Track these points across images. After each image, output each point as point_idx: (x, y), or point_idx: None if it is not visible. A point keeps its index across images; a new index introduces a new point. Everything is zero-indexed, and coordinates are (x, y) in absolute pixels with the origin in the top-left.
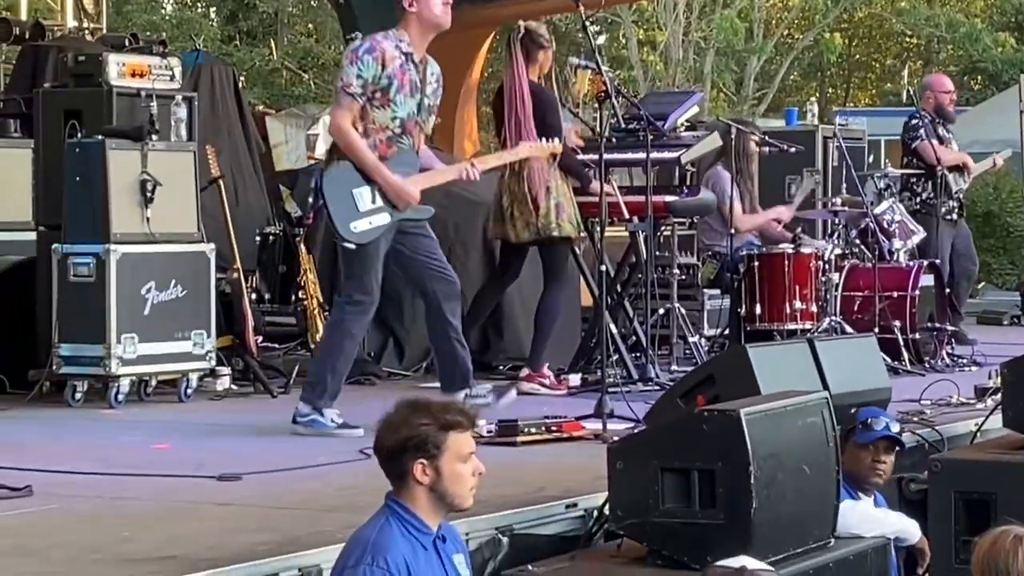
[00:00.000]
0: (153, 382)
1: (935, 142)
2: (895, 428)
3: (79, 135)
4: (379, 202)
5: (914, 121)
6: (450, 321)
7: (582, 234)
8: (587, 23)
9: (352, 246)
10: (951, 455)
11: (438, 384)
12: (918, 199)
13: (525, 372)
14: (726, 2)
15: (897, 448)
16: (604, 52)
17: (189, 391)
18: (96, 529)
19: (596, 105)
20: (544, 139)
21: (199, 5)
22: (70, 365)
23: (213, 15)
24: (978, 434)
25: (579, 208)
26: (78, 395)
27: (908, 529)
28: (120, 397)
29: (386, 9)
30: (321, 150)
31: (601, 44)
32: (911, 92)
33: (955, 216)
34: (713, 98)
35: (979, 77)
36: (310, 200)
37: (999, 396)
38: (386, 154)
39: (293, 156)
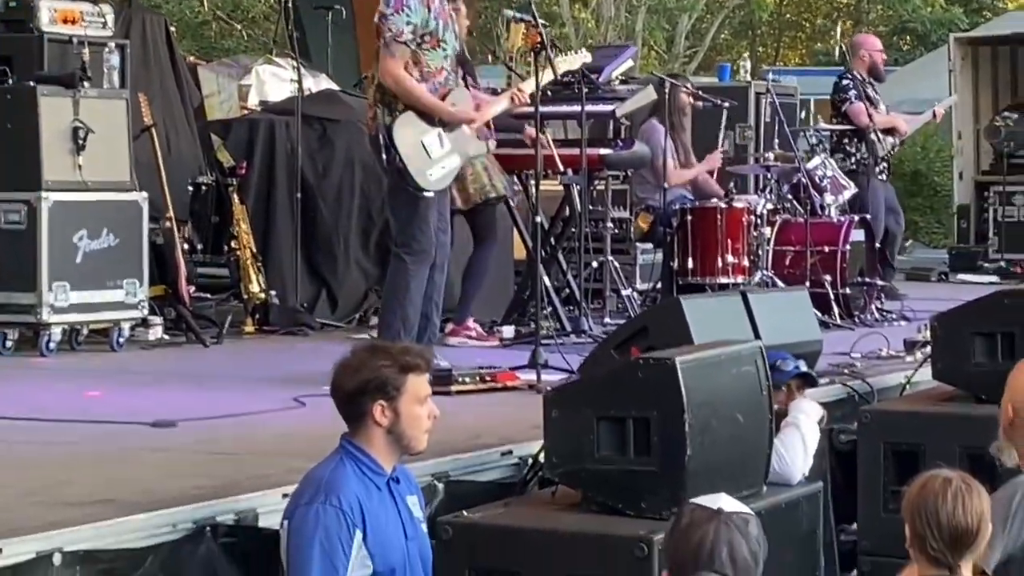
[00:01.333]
0: (85, 331)
1: (866, 104)
2: (804, 367)
3: (10, 81)
4: (447, 146)
5: (845, 82)
6: (434, 282)
7: (516, 188)
8: None
9: (431, 194)
10: (880, 407)
11: (370, 335)
12: (852, 159)
13: (450, 327)
14: None
15: (809, 386)
16: (537, 7)
17: (121, 340)
18: (32, 473)
19: (531, 58)
20: None
21: None
22: (1, 313)
23: None
24: (907, 386)
25: (513, 161)
26: (9, 343)
27: (813, 417)
28: (51, 346)
29: None
30: (254, 101)
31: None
32: (844, 49)
33: (885, 176)
34: (644, 56)
35: (908, 37)
36: (384, 157)
37: (928, 349)
38: (444, 96)
39: (226, 106)
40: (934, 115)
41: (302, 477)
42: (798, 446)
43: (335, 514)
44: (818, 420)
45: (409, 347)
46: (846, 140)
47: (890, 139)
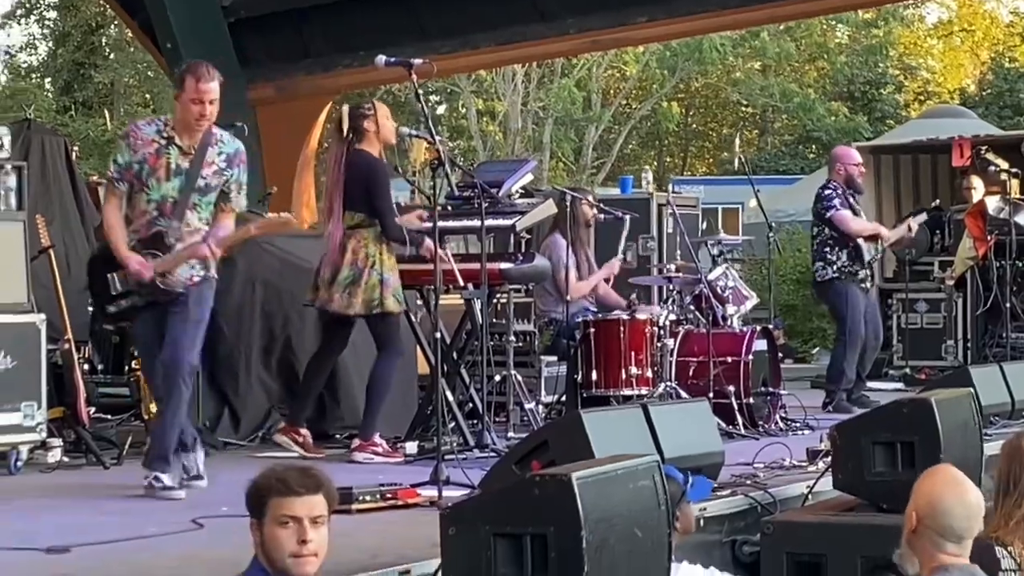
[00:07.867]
0: None
1: (849, 212)
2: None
3: None
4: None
5: (827, 191)
6: None
7: (418, 303)
8: (419, 93)
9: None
10: (783, 517)
11: (273, 453)
12: (833, 267)
13: (356, 443)
14: (564, 72)
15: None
16: (444, 122)
17: (19, 463)
18: None
19: (431, 172)
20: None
21: (34, 76)
22: None
23: (48, 85)
24: (810, 496)
25: (414, 277)
26: None
27: None
28: None
29: (210, 57)
30: None
31: (441, 114)
32: (742, 161)
33: (868, 284)
34: (552, 167)
35: (813, 146)
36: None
37: (830, 459)
38: (146, 236)
39: None
40: (909, 228)
41: None
42: None
43: None
44: None
45: (290, 467)
46: (827, 248)
47: (872, 246)
